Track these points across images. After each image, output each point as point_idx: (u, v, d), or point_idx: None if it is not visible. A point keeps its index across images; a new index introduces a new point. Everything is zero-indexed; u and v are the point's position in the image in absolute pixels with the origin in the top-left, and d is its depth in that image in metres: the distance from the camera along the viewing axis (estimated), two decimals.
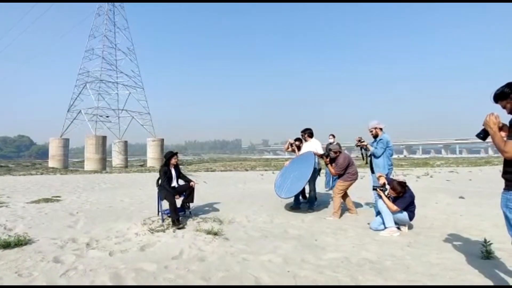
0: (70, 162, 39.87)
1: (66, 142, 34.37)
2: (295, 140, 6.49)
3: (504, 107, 2.31)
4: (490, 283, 2.65)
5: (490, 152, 79.96)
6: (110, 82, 36.25)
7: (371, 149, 5.17)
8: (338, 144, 6.46)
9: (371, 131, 5.24)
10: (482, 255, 3.23)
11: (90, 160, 31.44)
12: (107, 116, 36.09)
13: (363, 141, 5.38)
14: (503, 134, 2.33)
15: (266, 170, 20.85)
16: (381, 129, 5.21)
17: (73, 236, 4.12)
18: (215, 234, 4.12)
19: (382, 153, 5.07)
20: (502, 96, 2.28)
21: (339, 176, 5.42)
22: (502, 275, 2.80)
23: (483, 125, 2.41)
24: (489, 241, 3.26)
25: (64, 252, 3.50)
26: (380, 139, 5.11)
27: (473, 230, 4.37)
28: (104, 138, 33.24)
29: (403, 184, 4.35)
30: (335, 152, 5.49)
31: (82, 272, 2.93)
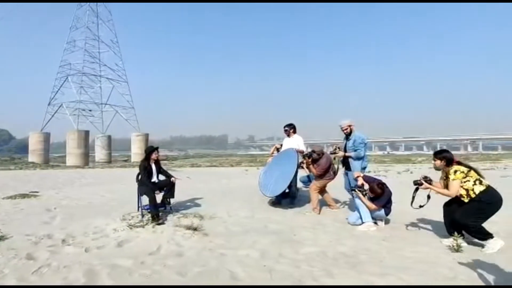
0: (51, 157, 38.77)
1: (46, 137, 33.44)
2: (281, 145, 6.51)
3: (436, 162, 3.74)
4: (459, 275, 2.75)
5: (469, 149, 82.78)
6: (92, 75, 35.44)
7: (352, 154, 5.26)
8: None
9: (346, 129, 5.37)
10: (453, 248, 3.36)
11: (72, 155, 30.73)
12: (90, 110, 35.31)
13: (337, 152, 5.48)
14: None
15: (251, 165, 20.88)
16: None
17: (48, 232, 4.03)
18: (195, 229, 4.10)
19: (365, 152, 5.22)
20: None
21: (319, 175, 5.46)
22: (470, 267, 2.92)
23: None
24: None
25: (38, 248, 3.42)
26: (355, 139, 5.25)
27: (444, 224, 4.51)
28: (86, 132, 32.51)
29: (381, 186, 4.43)
30: (318, 154, 5.52)
31: (55, 269, 2.87)
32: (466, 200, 3.50)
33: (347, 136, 5.38)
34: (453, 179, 3.53)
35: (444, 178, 3.74)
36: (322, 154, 5.49)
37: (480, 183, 3.45)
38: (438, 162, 3.73)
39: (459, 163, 3.63)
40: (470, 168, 3.56)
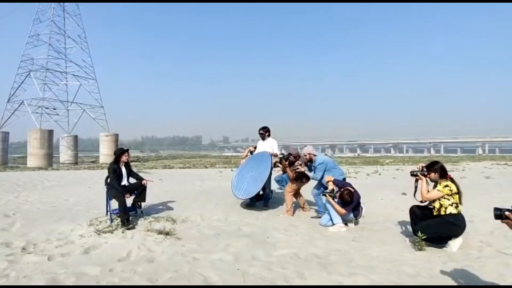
0: (10, 157, 36.33)
1: (5, 136, 31.24)
2: (255, 148, 6.54)
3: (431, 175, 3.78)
4: (421, 272, 2.92)
5: (432, 151, 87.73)
6: (58, 71, 33.59)
7: (310, 175, 5.27)
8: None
9: (305, 155, 5.31)
10: (417, 247, 3.55)
11: (34, 156, 28.95)
12: (54, 108, 33.44)
13: (297, 168, 5.33)
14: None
15: (225, 167, 20.77)
16: (314, 155, 5.33)
17: (6, 240, 3.77)
18: (167, 234, 4.02)
19: (323, 175, 5.12)
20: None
21: (295, 178, 5.53)
22: (431, 265, 3.11)
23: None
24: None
25: None
26: (317, 164, 5.17)
27: (410, 224, 4.76)
28: (50, 132, 30.74)
29: (350, 195, 4.55)
30: (295, 157, 5.59)
31: (14, 280, 2.70)
32: (434, 213, 3.66)
33: (309, 162, 5.35)
34: (438, 190, 3.63)
35: (434, 186, 3.80)
36: (298, 157, 5.58)
37: (456, 207, 3.59)
38: (432, 174, 3.77)
39: (452, 180, 3.71)
40: (458, 191, 3.65)
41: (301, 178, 5.52)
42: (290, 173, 5.57)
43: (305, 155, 5.34)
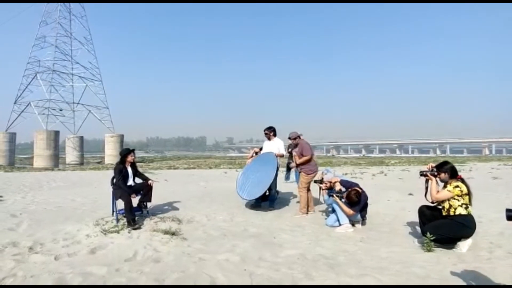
0: (17, 158, 36.75)
1: (12, 137, 31.69)
2: (260, 149, 6.52)
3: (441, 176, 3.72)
4: (431, 274, 2.87)
5: (438, 152, 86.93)
6: (64, 73, 34.02)
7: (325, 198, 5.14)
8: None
9: (326, 183, 5.12)
10: (426, 248, 3.49)
11: (40, 156, 29.34)
12: (60, 110, 33.82)
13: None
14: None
15: (230, 168, 20.77)
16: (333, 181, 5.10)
17: (14, 240, 3.78)
18: (173, 234, 4.01)
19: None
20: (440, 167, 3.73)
21: (300, 167, 5.47)
22: (441, 266, 3.05)
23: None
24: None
25: (2, 257, 3.20)
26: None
27: (419, 225, 4.70)
28: (56, 133, 31.12)
29: (358, 195, 4.50)
30: (295, 138, 5.64)
31: (21, 279, 2.70)
32: (443, 213, 3.60)
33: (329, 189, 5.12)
34: (448, 190, 3.58)
35: (444, 187, 3.75)
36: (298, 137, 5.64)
37: (466, 208, 3.53)
38: (442, 175, 3.71)
39: (463, 181, 3.64)
40: (469, 192, 3.58)
41: (307, 167, 5.48)
42: (297, 157, 5.54)
43: (326, 183, 5.14)
